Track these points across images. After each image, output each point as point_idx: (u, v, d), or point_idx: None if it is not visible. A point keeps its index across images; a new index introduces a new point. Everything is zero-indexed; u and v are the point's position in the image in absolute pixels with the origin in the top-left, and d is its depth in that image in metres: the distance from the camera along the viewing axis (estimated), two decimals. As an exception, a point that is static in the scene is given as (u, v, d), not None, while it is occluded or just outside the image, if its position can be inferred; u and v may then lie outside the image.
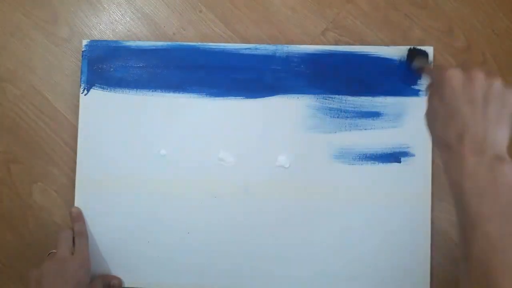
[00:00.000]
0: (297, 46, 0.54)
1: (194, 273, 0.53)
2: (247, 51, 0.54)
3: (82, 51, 0.55)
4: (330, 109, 0.53)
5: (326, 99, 0.53)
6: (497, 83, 0.36)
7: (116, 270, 0.54)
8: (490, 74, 0.37)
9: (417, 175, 0.52)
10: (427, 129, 0.39)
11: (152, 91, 0.54)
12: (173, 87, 0.54)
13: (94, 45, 0.55)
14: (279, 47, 0.54)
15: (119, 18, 0.57)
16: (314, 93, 0.53)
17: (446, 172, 0.36)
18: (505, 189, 0.32)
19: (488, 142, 0.34)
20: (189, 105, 0.54)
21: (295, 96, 0.53)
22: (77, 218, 0.53)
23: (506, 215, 0.31)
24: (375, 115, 0.53)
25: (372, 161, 0.53)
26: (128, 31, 0.57)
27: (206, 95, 0.54)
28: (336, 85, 0.53)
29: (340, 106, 0.53)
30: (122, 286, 0.54)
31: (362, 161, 0.53)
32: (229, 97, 0.54)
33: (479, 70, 0.37)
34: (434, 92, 0.39)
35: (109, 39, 0.56)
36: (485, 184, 0.32)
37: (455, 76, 0.37)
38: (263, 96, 0.54)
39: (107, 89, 0.54)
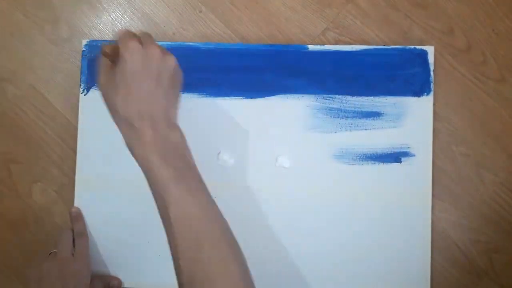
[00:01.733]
0: (297, 46, 0.54)
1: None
2: (247, 51, 0.54)
3: (82, 51, 0.55)
4: (330, 109, 0.53)
5: (326, 99, 0.53)
6: (170, 62, 0.41)
7: (116, 270, 0.54)
8: (164, 52, 0.40)
9: (417, 175, 0.52)
10: (105, 101, 0.41)
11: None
12: (173, 87, 0.54)
13: (94, 45, 0.55)
14: (279, 47, 0.54)
15: (119, 18, 0.57)
16: (314, 93, 0.53)
17: (129, 147, 0.40)
18: (174, 148, 0.39)
19: (164, 116, 0.40)
20: (189, 105, 0.54)
21: (295, 96, 0.53)
22: (77, 218, 0.53)
23: (179, 170, 0.38)
24: (375, 115, 0.53)
25: (372, 161, 0.53)
26: (128, 31, 0.56)
27: (206, 95, 0.54)
28: (336, 85, 0.53)
29: (340, 106, 0.53)
30: (122, 286, 0.54)
31: (362, 161, 0.53)
32: (229, 97, 0.54)
33: (155, 47, 0.40)
34: (113, 65, 0.40)
35: (109, 39, 0.56)
36: (164, 152, 0.38)
37: (135, 54, 0.39)
38: (263, 96, 0.54)
39: (107, 89, 0.54)
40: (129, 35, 0.41)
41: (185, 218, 0.38)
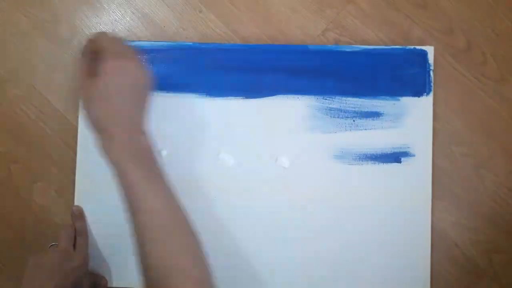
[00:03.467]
0: (297, 46, 0.54)
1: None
2: (247, 51, 0.54)
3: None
4: (330, 109, 0.53)
5: (326, 99, 0.53)
6: (143, 75, 0.45)
7: (116, 270, 0.54)
8: (138, 65, 0.45)
9: (417, 175, 0.52)
10: (83, 108, 0.45)
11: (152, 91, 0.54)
12: (173, 87, 0.54)
13: (94, 45, 0.55)
14: (279, 47, 0.54)
15: (119, 18, 0.57)
16: (314, 93, 0.53)
17: (103, 150, 0.43)
18: (144, 151, 0.43)
19: (134, 123, 0.44)
20: (189, 105, 0.54)
21: (295, 96, 0.53)
22: (79, 217, 0.53)
23: (149, 171, 0.43)
24: (375, 115, 0.53)
25: (372, 161, 0.53)
26: (128, 31, 0.56)
27: (206, 95, 0.54)
28: (336, 85, 0.53)
29: (340, 106, 0.53)
30: (107, 286, 0.53)
31: (362, 161, 0.53)
32: (229, 97, 0.54)
33: (131, 61, 0.44)
34: (92, 72, 0.44)
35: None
36: (135, 154, 0.43)
37: (114, 69, 0.43)
38: (263, 96, 0.54)
39: (107, 89, 0.54)
40: (108, 40, 0.45)
41: (154, 210, 0.42)
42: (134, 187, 0.42)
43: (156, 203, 0.42)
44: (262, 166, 0.53)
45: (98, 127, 0.44)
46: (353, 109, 0.53)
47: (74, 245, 0.52)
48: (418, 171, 0.52)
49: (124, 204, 0.43)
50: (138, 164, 0.42)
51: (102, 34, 0.46)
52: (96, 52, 0.45)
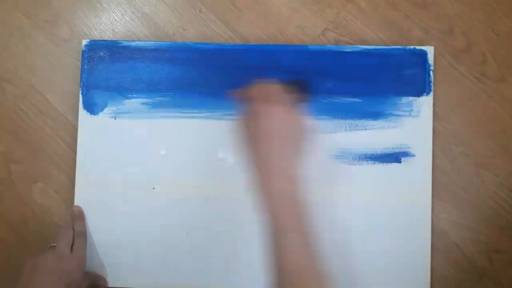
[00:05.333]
0: (297, 46, 0.54)
1: (193, 273, 0.53)
2: (247, 51, 0.54)
3: (82, 51, 0.55)
4: (330, 109, 0.53)
5: (326, 99, 0.53)
6: (300, 124, 0.46)
7: (116, 270, 0.54)
8: (294, 113, 0.46)
9: (417, 175, 0.52)
10: (248, 151, 0.46)
11: (152, 91, 0.54)
12: (173, 87, 0.54)
13: (94, 45, 0.55)
14: (279, 47, 0.54)
15: (119, 18, 0.57)
16: (314, 93, 0.53)
17: (259, 191, 0.44)
18: (297, 200, 0.43)
19: (290, 168, 0.44)
20: (189, 105, 0.54)
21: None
22: (79, 217, 0.53)
23: (298, 219, 0.43)
24: (375, 115, 0.53)
25: (372, 161, 0.53)
26: (128, 31, 0.57)
27: (206, 95, 0.54)
28: (336, 85, 0.53)
29: (340, 106, 0.53)
30: (107, 286, 0.53)
31: (362, 161, 0.53)
32: (229, 97, 0.54)
33: (292, 111, 0.45)
34: (254, 120, 0.45)
35: (109, 39, 0.56)
36: (285, 201, 0.43)
37: (275, 113, 0.44)
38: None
39: (107, 89, 0.54)
40: (270, 89, 0.47)
41: (296, 265, 0.41)
42: (282, 232, 0.42)
43: (300, 253, 0.42)
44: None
45: (258, 167, 0.44)
46: (353, 109, 0.53)
47: (72, 246, 0.51)
48: (418, 171, 0.52)
49: (268, 246, 0.43)
50: (290, 212, 0.42)
51: (263, 84, 0.47)
52: (257, 97, 0.46)
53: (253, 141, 0.45)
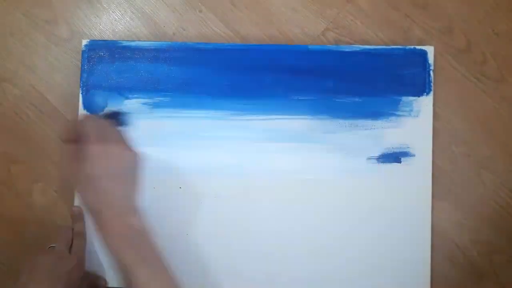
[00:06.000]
0: (297, 46, 0.54)
1: (194, 274, 0.53)
2: (247, 51, 0.54)
3: (82, 51, 0.55)
4: (330, 109, 0.53)
5: (326, 99, 0.53)
6: (132, 158, 0.46)
7: (114, 270, 0.54)
8: (125, 148, 0.46)
9: (417, 175, 0.52)
10: (77, 193, 0.48)
11: (152, 91, 0.54)
12: (173, 87, 0.54)
13: (94, 45, 0.55)
14: (279, 47, 0.54)
15: (119, 18, 0.57)
16: (314, 93, 0.53)
17: (98, 235, 0.44)
18: (137, 232, 0.44)
19: (124, 205, 0.45)
20: (189, 105, 0.54)
21: (296, 96, 0.53)
22: (78, 218, 0.53)
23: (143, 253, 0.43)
24: (375, 115, 0.53)
25: (372, 161, 0.53)
26: (128, 31, 0.57)
27: (206, 95, 0.54)
28: (336, 85, 0.53)
29: (340, 106, 0.53)
30: (107, 286, 0.53)
31: (362, 161, 0.53)
32: (229, 97, 0.54)
33: (117, 143, 0.46)
34: (78, 160, 0.45)
35: (109, 39, 0.56)
36: (125, 235, 0.43)
37: (98, 150, 0.44)
38: (263, 96, 0.53)
39: (107, 89, 0.54)
40: (91, 123, 0.46)
41: None
42: (128, 269, 0.42)
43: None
44: (262, 167, 0.53)
45: (92, 211, 0.45)
46: (353, 109, 0.53)
47: (71, 247, 0.51)
48: (418, 171, 0.52)
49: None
50: (130, 246, 0.43)
51: (85, 117, 0.47)
52: (79, 135, 0.45)
53: (85, 183, 0.44)
